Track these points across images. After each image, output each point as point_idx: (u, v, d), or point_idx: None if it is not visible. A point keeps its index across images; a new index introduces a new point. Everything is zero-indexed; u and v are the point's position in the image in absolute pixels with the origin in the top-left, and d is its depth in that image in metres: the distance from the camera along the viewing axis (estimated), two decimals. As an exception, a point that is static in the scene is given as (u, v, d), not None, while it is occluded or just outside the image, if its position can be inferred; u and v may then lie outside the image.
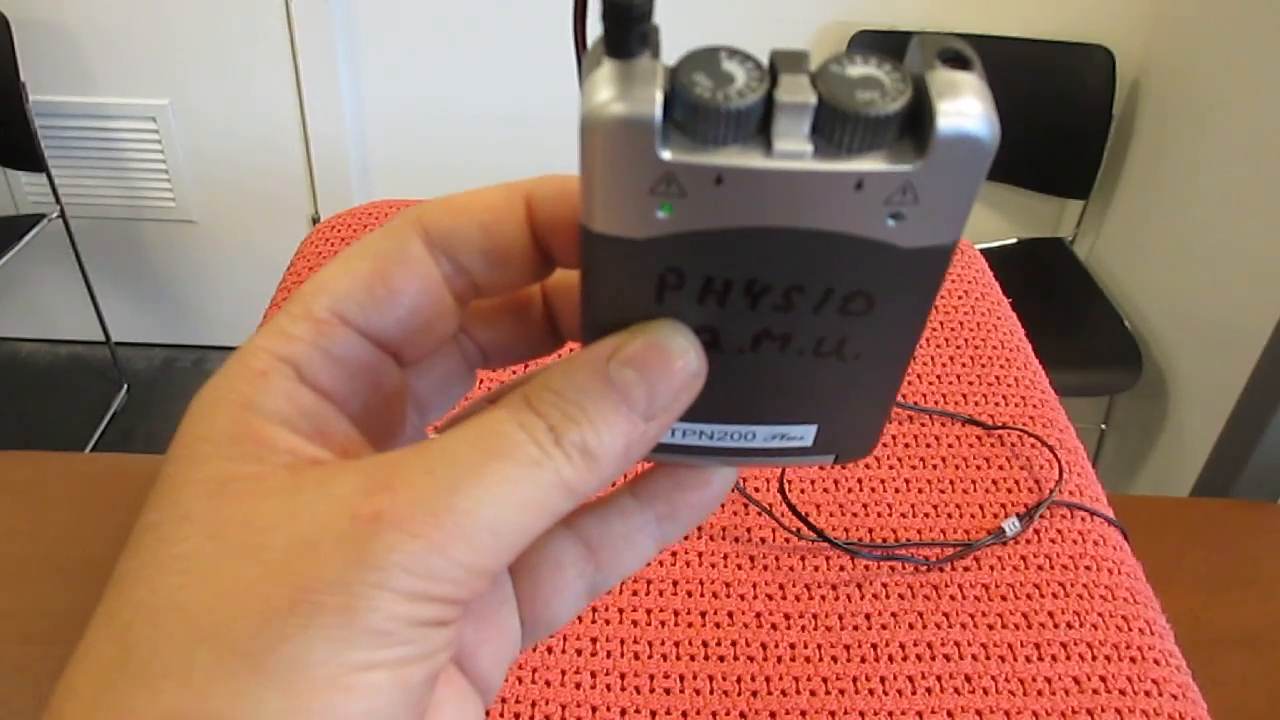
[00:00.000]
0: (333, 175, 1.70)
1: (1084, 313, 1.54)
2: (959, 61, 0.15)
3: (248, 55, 1.58)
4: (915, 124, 0.15)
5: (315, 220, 1.75)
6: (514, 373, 0.23)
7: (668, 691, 0.48)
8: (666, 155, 0.15)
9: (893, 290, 0.17)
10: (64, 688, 0.16)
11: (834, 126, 0.15)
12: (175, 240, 1.80)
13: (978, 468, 0.59)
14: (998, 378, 0.66)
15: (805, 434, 0.20)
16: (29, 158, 1.48)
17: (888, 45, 1.56)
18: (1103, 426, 1.58)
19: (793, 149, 0.15)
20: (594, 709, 0.47)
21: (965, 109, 0.14)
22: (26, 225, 1.52)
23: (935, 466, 0.59)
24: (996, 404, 0.64)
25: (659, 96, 0.15)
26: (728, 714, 0.47)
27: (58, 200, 1.55)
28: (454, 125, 1.67)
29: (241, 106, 1.63)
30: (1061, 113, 1.53)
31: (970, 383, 0.65)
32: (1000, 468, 0.59)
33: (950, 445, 0.61)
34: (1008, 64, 1.55)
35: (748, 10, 1.56)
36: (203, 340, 1.91)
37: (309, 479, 0.17)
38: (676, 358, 0.18)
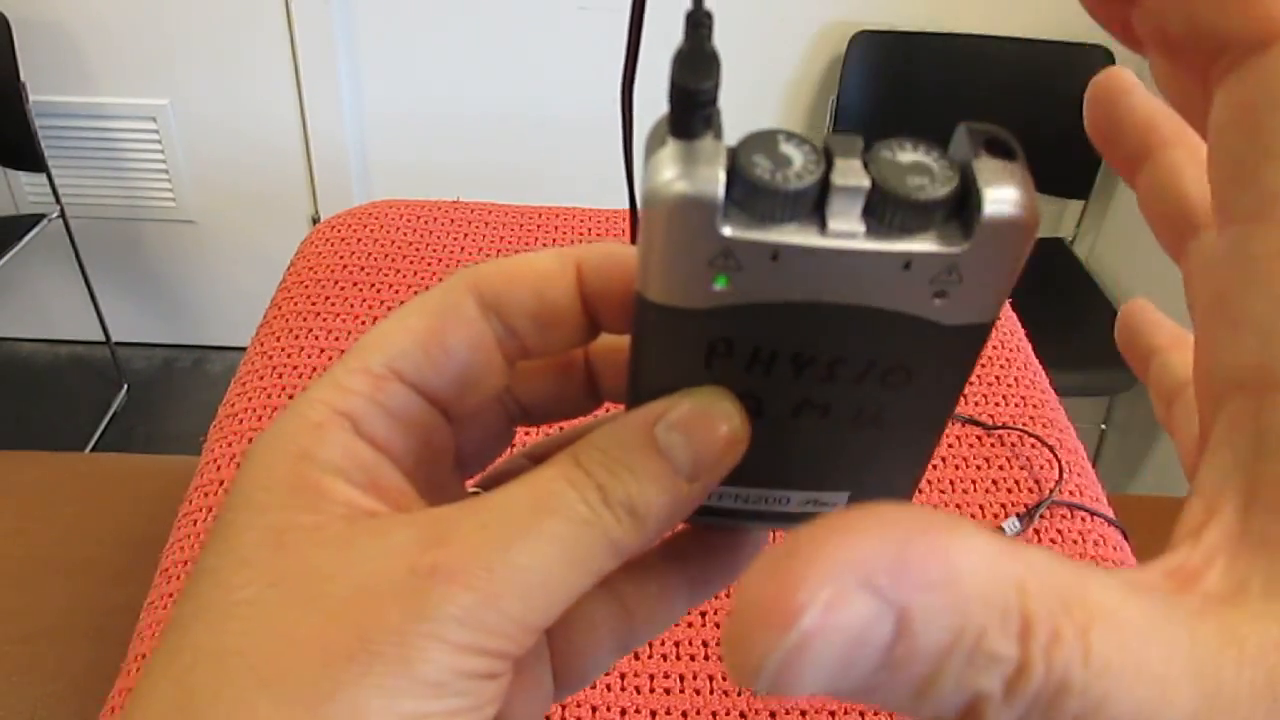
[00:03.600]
0: (333, 175, 1.70)
1: (1084, 313, 1.54)
2: (1003, 150, 0.16)
3: (248, 55, 1.58)
4: (962, 208, 0.16)
5: (315, 220, 1.75)
6: (559, 428, 0.24)
7: (668, 691, 0.48)
8: (727, 231, 0.15)
9: (932, 365, 0.18)
10: None
11: (886, 209, 0.15)
12: (175, 240, 1.80)
13: (978, 468, 0.59)
14: (998, 378, 0.66)
15: (838, 500, 0.21)
16: (29, 158, 1.48)
17: (887, 46, 1.56)
18: (1103, 426, 1.57)
19: (846, 229, 0.15)
20: (594, 709, 0.47)
21: (1009, 196, 0.15)
22: (26, 225, 1.52)
23: (935, 466, 0.59)
24: (996, 404, 0.64)
25: (722, 176, 0.15)
26: (728, 714, 0.47)
27: (58, 200, 1.55)
28: (454, 125, 1.67)
29: (241, 106, 1.63)
30: (1061, 113, 1.53)
31: (970, 382, 0.65)
32: (1000, 468, 0.59)
33: (950, 445, 0.61)
34: (1008, 64, 1.55)
35: (747, 10, 1.56)
36: (203, 340, 1.91)
37: (366, 531, 0.18)
38: (721, 423, 0.18)
